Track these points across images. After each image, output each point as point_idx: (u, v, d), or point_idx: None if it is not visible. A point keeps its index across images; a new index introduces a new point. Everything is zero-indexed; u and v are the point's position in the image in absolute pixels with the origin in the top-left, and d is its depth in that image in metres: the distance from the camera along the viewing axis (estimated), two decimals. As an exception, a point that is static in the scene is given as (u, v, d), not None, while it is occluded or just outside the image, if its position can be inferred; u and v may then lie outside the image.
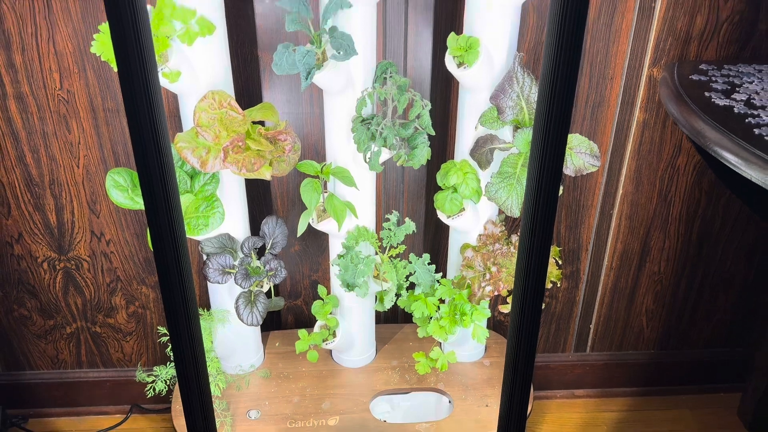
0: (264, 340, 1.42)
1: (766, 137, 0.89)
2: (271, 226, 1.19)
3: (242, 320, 1.13)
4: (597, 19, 1.24)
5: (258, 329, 1.36)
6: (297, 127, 1.30)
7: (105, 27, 0.94)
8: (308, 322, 1.54)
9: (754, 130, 0.92)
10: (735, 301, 1.60)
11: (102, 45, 0.92)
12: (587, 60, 1.28)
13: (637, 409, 1.68)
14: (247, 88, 1.26)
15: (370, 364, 1.37)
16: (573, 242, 1.49)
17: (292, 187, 1.36)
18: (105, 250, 1.43)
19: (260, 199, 1.36)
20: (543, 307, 1.42)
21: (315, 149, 1.32)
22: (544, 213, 0.76)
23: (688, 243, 1.51)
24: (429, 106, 1.04)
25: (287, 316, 1.54)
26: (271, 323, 1.54)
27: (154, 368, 1.29)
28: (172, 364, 1.22)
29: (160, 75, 0.97)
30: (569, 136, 1.05)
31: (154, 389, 1.20)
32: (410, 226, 1.19)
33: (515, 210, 1.06)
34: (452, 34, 1.03)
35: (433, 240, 1.44)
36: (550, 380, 1.69)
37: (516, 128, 1.08)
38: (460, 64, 1.03)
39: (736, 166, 0.86)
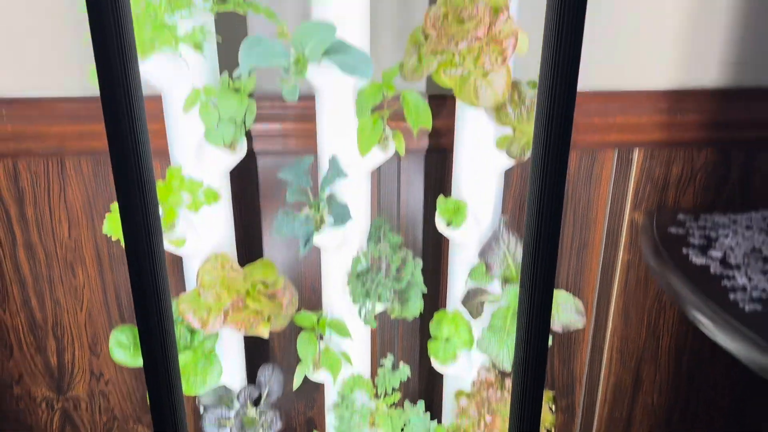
0: (259, 483, 1.41)
1: (740, 304, 0.94)
2: (266, 374, 1.21)
3: (238, 474, 1.14)
4: (578, 169, 1.32)
5: (253, 472, 1.35)
6: (295, 268, 1.35)
7: (115, 206, 1.01)
8: (304, 460, 1.53)
9: (730, 294, 0.97)
10: (731, 429, 1.60)
11: (112, 224, 0.97)
12: (570, 206, 1.35)
13: None
14: (249, 238, 1.32)
15: None
16: (567, 376, 1.51)
17: (289, 329, 1.40)
18: (103, 390, 1.44)
19: (255, 339, 1.39)
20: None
21: (312, 287, 1.37)
22: (533, 374, 0.80)
23: (678, 375, 1.53)
24: (420, 264, 1.09)
25: (282, 453, 1.53)
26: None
27: None
28: None
29: (167, 243, 1.02)
30: (556, 292, 1.10)
31: None
32: (405, 371, 1.22)
33: (507, 364, 1.09)
34: (441, 196, 1.10)
35: (428, 382, 1.46)
36: None
37: (504, 281, 1.12)
38: (448, 224, 1.09)
39: (710, 330, 0.91)
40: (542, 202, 0.73)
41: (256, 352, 1.40)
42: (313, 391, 1.46)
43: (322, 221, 1.05)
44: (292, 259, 1.34)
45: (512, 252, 1.10)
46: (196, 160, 1.01)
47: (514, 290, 1.08)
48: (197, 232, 1.06)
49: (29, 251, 1.31)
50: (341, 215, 1.01)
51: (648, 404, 1.56)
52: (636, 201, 1.35)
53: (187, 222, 1.05)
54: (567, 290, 1.41)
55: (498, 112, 1.04)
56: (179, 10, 0.88)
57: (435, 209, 1.14)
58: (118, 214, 0.73)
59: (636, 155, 1.32)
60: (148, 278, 0.74)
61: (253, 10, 0.92)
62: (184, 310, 1.03)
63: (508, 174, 1.29)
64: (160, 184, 1.02)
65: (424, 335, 1.42)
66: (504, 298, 1.09)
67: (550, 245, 0.75)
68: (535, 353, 0.80)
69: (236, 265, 1.05)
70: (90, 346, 1.39)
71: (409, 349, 1.44)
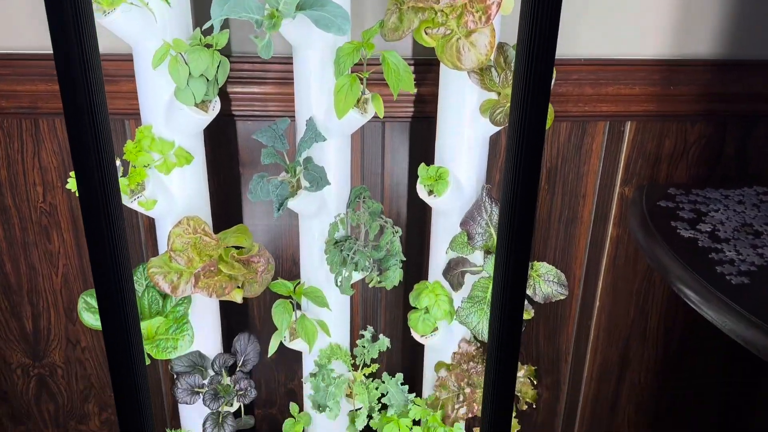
0: (237, 453, 1.39)
1: (727, 276, 0.91)
2: (243, 343, 1.19)
3: (210, 443, 1.12)
4: (567, 141, 1.28)
5: (230, 443, 1.33)
6: (275, 238, 1.32)
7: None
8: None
9: (716, 267, 0.94)
10: (720, 410, 1.58)
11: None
12: (559, 178, 1.31)
13: None
14: (227, 203, 1.29)
15: (344, 482, 1.33)
16: (552, 352, 1.49)
17: (269, 297, 1.37)
18: (80, 357, 1.42)
19: (235, 310, 1.37)
20: (515, 415, 1.40)
21: (293, 259, 1.34)
22: (508, 342, 0.77)
23: (667, 354, 1.51)
24: (399, 233, 1.06)
25: (261, 424, 1.51)
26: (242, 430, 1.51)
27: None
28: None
29: (135, 204, 0.99)
30: (538, 264, 1.07)
31: None
32: (384, 342, 1.19)
33: (485, 334, 1.06)
34: (422, 165, 1.07)
35: (410, 355, 1.44)
36: (532, 492, 1.64)
37: (487, 252, 1.09)
38: (430, 192, 1.06)
39: (696, 304, 0.87)
40: (519, 167, 0.70)
41: (237, 321, 1.38)
42: (293, 362, 1.44)
43: (298, 185, 1.02)
44: (272, 228, 1.31)
45: (495, 222, 1.06)
46: (167, 119, 0.97)
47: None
48: (169, 194, 1.03)
49: (3, 215, 1.27)
50: (317, 179, 0.98)
51: (635, 383, 1.53)
52: (627, 175, 1.32)
53: (158, 183, 1.01)
54: (554, 264, 1.38)
55: (482, 75, 1.00)
56: (147, -42, 0.83)
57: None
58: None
59: (628, 128, 1.28)
60: (104, 240, 0.71)
61: (227, -39, 0.88)
62: (154, 273, 1.00)
63: (496, 143, 1.25)
64: (130, 144, 0.99)
65: (408, 307, 1.40)
66: (485, 268, 1.06)
67: (526, 213, 0.72)
68: (510, 324, 0.77)
69: (209, 228, 1.02)
70: (66, 312, 1.36)
71: (392, 321, 1.42)
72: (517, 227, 0.71)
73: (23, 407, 1.45)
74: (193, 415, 1.20)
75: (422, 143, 1.25)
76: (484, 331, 1.06)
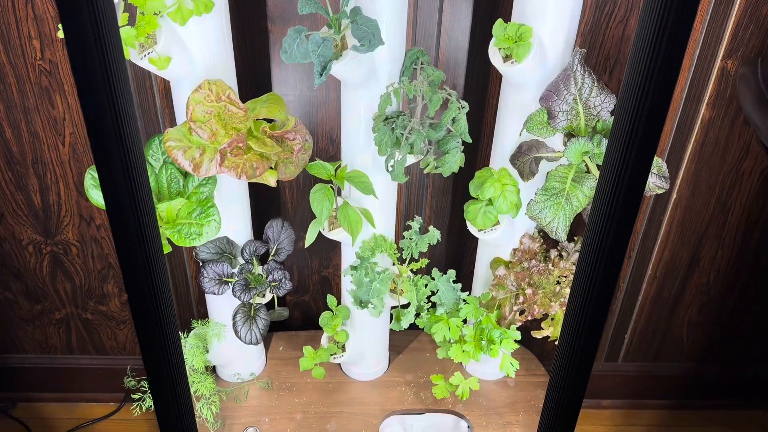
0: (267, 343, 1.30)
1: None
2: (275, 230, 1.05)
3: (240, 338, 1.00)
4: (668, 0, 1.04)
5: (260, 333, 1.23)
6: (310, 111, 1.14)
7: None
8: (316, 320, 1.41)
9: None
10: (789, 317, 1.44)
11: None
12: (652, 47, 1.09)
13: (669, 425, 1.55)
14: (253, 67, 1.09)
15: (382, 378, 1.24)
16: (614, 248, 1.33)
17: (303, 183, 1.21)
18: (95, 236, 1.29)
19: (266, 194, 1.21)
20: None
21: (329, 137, 1.16)
22: (613, 248, 0.61)
23: (743, 254, 1.35)
24: (466, 109, 0.87)
25: (294, 312, 1.41)
26: (276, 321, 1.41)
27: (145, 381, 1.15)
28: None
29: (146, 61, 0.81)
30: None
31: (141, 407, 1.08)
32: (434, 234, 1.04)
33: (561, 233, 0.90)
34: (499, 21, 0.85)
35: (457, 251, 1.29)
36: (575, 389, 1.56)
37: (569, 136, 0.91)
38: (506, 58, 0.86)
39: None
40: (658, 45, 0.50)
41: (265, 206, 1.23)
42: (328, 249, 1.31)
43: (343, 45, 0.82)
44: (306, 99, 1.12)
45: (584, 98, 0.87)
46: (181, -49, 0.76)
47: (580, 146, 0.86)
48: (187, 50, 0.84)
49: None
50: (369, 36, 0.78)
51: (702, 284, 1.39)
52: (732, 45, 1.09)
53: (173, 36, 0.82)
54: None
55: None
56: None
57: (485, 42, 0.90)
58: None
59: (743, -16, 1.04)
60: (104, 105, 0.54)
61: None
62: (171, 148, 0.83)
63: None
64: (135, -15, 0.79)
65: (457, 194, 1.23)
66: (567, 155, 0.88)
67: (663, 95, 0.53)
68: (619, 229, 0.60)
69: (234, 95, 0.84)
70: (76, 186, 1.22)
71: (438, 210, 1.26)
72: (644, 111, 0.53)
73: (39, 286, 1.36)
74: (222, 305, 1.09)
75: (489, 1, 1.03)
76: (559, 229, 0.89)
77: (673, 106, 1.16)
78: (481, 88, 1.11)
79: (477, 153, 1.18)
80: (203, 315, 1.33)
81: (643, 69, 0.51)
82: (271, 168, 0.88)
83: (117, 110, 0.53)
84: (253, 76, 1.10)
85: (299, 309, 1.41)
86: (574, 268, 1.05)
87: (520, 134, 0.92)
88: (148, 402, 1.07)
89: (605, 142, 0.86)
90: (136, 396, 1.10)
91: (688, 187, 1.25)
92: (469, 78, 1.11)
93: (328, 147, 1.17)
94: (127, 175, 0.56)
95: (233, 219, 1.01)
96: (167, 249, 0.90)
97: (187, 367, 1.01)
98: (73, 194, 1.23)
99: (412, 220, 1.05)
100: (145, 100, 1.12)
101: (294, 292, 1.38)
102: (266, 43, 1.07)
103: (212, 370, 1.23)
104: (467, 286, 1.23)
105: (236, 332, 1.00)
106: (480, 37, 1.06)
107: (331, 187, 0.94)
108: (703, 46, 1.09)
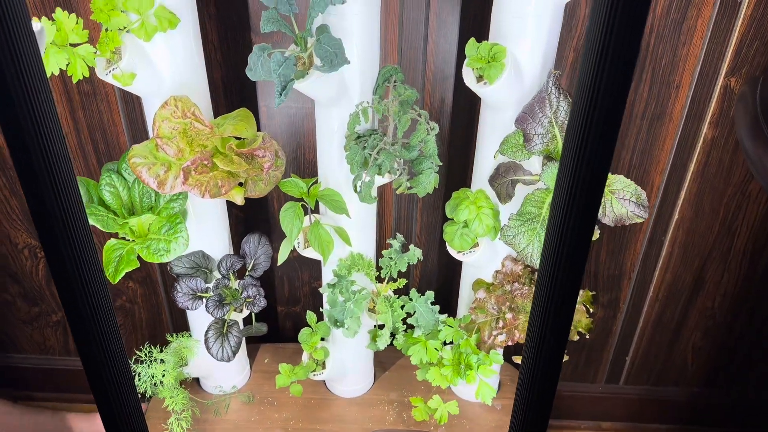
0: (253, 354, 1.29)
1: None
2: (252, 245, 1.03)
3: (212, 355, 0.99)
4: (665, 14, 1.00)
5: (243, 344, 1.22)
6: (296, 123, 1.12)
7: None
8: (307, 331, 1.40)
9: None
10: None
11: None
12: (649, 64, 1.04)
13: (671, 451, 1.50)
14: (238, 80, 1.08)
15: (366, 395, 1.22)
16: (614, 268, 1.29)
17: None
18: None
19: (252, 207, 1.20)
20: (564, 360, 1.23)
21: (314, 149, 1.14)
22: (567, 272, 0.58)
23: (750, 279, 1.28)
24: (436, 130, 0.84)
25: (285, 321, 1.40)
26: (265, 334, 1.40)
27: (134, 366, 1.15)
28: (154, 362, 1.08)
29: (110, 77, 0.80)
30: (612, 177, 0.85)
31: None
32: (415, 254, 1.02)
33: (535, 260, 0.87)
34: (472, 40, 0.82)
35: (449, 266, 1.26)
36: (575, 410, 1.52)
37: (546, 159, 0.87)
38: (479, 78, 0.83)
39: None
40: (608, 43, 0.47)
41: (252, 218, 1.22)
42: (317, 261, 1.29)
43: (310, 62, 0.80)
44: (294, 113, 1.11)
45: (561, 122, 0.83)
46: (142, -32, 0.75)
47: (556, 170, 0.83)
48: (153, 66, 0.83)
49: None
50: (331, 56, 0.76)
51: (706, 309, 1.33)
52: (736, 62, 1.03)
53: (139, 53, 0.81)
54: (630, 169, 1.15)
55: None
56: None
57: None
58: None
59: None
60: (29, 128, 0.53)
61: None
62: (136, 165, 0.82)
63: (573, 12, 0.98)
64: (99, 0, 0.78)
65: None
66: (543, 179, 0.84)
67: (614, 104, 0.49)
68: (572, 252, 0.57)
69: (199, 112, 0.83)
70: None
71: (430, 226, 1.23)
72: (596, 122, 0.49)
73: (35, 289, 1.37)
74: (199, 319, 1.08)
75: (477, 11, 1.00)
76: (533, 255, 0.86)
77: (673, 124, 1.11)
78: (470, 106, 1.08)
79: (466, 173, 1.14)
80: (180, 327, 1.33)
81: (592, 77, 0.47)
82: (240, 185, 0.87)
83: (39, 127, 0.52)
84: (239, 88, 1.09)
85: (290, 319, 1.40)
86: (559, 292, 1.01)
87: (495, 157, 0.88)
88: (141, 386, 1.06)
89: (583, 166, 0.83)
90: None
91: (691, 207, 1.20)
92: (457, 92, 1.08)
93: (314, 158, 1.15)
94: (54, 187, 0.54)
95: (209, 233, 1.00)
96: (135, 265, 0.90)
97: (155, 382, 1.01)
98: (64, 201, 1.24)
99: (394, 238, 1.02)
100: (132, 111, 1.12)
101: (285, 302, 1.37)
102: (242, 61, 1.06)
103: (196, 381, 1.23)
104: (453, 307, 1.20)
105: (208, 348, 1.00)
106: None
107: (303, 205, 0.92)
108: (705, 63, 1.04)
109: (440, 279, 1.29)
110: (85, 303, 0.61)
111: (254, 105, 1.11)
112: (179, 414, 1.05)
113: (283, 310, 1.38)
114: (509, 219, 0.86)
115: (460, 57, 1.04)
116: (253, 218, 1.23)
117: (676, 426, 1.52)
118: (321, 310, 1.10)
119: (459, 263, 1.25)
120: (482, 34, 0.94)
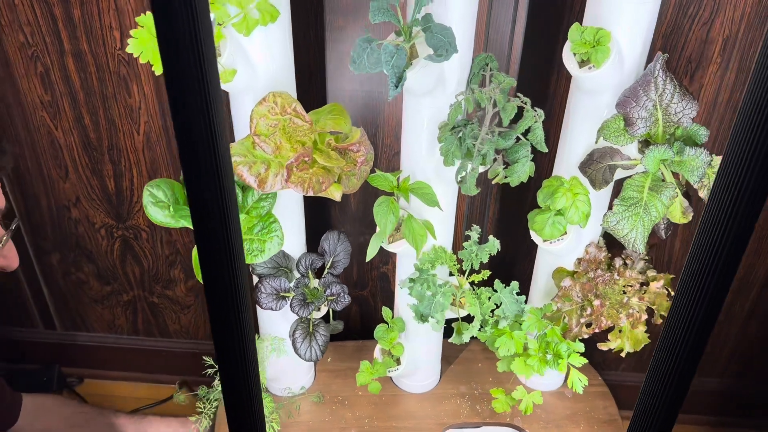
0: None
1: None
2: (332, 242, 1.02)
3: (300, 355, 0.98)
4: (757, 1, 0.98)
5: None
6: (357, 112, 1.11)
7: (145, 20, 0.76)
8: (373, 314, 1.38)
9: None
10: None
11: (141, 44, 0.74)
12: (736, 52, 1.02)
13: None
14: (308, 63, 1.07)
15: (435, 390, 1.21)
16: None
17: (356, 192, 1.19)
18: (165, 221, 1.30)
19: (311, 202, 1.19)
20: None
21: (382, 141, 1.13)
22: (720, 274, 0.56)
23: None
24: (542, 117, 0.83)
25: (352, 306, 1.39)
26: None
27: (199, 389, 1.14)
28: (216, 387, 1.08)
29: (209, 73, 0.79)
30: (719, 158, 0.84)
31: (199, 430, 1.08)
32: (494, 245, 1.00)
33: (640, 245, 0.86)
34: (576, 24, 0.81)
35: (514, 260, 1.25)
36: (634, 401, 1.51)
37: (644, 143, 0.86)
38: (582, 63, 0.82)
39: None
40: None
41: (315, 217, 1.21)
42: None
43: (413, 53, 0.79)
44: (355, 100, 1.10)
45: (665, 104, 0.82)
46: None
47: (659, 154, 0.82)
48: (250, 62, 0.82)
49: (79, 61, 1.09)
50: (445, 45, 0.74)
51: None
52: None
53: (237, 48, 0.80)
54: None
55: None
56: None
57: (559, 46, 0.85)
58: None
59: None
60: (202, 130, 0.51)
61: None
62: (237, 163, 0.81)
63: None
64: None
65: (515, 202, 1.19)
66: (645, 162, 0.83)
67: None
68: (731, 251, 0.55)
69: (300, 108, 0.82)
70: (149, 173, 1.22)
71: (498, 222, 1.22)
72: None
73: (109, 268, 1.37)
74: (276, 320, 1.07)
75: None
76: (638, 240, 0.85)
77: None
78: (542, 89, 1.06)
79: (538, 161, 1.13)
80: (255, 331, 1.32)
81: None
82: (335, 181, 0.86)
83: (209, 115, 0.50)
84: (306, 83, 1.08)
85: (358, 303, 1.39)
86: (640, 276, 1.01)
87: (596, 142, 0.87)
88: (205, 423, 1.06)
89: (687, 149, 0.82)
90: (193, 418, 1.09)
91: None
92: (541, 82, 1.06)
93: (381, 150, 1.14)
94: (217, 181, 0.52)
95: (289, 232, 0.99)
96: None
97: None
98: (145, 181, 1.23)
99: (470, 230, 1.01)
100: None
101: (353, 286, 1.36)
102: (322, 47, 1.05)
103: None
104: (525, 296, 1.19)
105: (296, 349, 0.99)
106: (555, 39, 1.01)
107: (395, 199, 0.92)
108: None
109: (504, 271, 1.28)
110: (234, 296, 0.59)
111: (323, 92, 1.10)
112: (269, 417, 1.04)
113: (351, 293, 1.37)
114: (614, 205, 0.85)
115: (543, 47, 1.02)
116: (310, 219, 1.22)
117: (712, 417, 1.50)
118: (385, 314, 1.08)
119: (525, 256, 1.24)
120: (573, 19, 0.93)
